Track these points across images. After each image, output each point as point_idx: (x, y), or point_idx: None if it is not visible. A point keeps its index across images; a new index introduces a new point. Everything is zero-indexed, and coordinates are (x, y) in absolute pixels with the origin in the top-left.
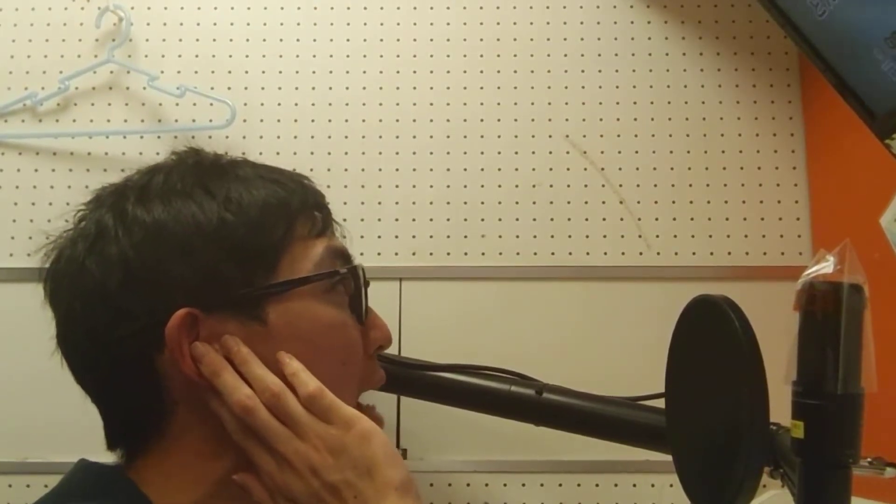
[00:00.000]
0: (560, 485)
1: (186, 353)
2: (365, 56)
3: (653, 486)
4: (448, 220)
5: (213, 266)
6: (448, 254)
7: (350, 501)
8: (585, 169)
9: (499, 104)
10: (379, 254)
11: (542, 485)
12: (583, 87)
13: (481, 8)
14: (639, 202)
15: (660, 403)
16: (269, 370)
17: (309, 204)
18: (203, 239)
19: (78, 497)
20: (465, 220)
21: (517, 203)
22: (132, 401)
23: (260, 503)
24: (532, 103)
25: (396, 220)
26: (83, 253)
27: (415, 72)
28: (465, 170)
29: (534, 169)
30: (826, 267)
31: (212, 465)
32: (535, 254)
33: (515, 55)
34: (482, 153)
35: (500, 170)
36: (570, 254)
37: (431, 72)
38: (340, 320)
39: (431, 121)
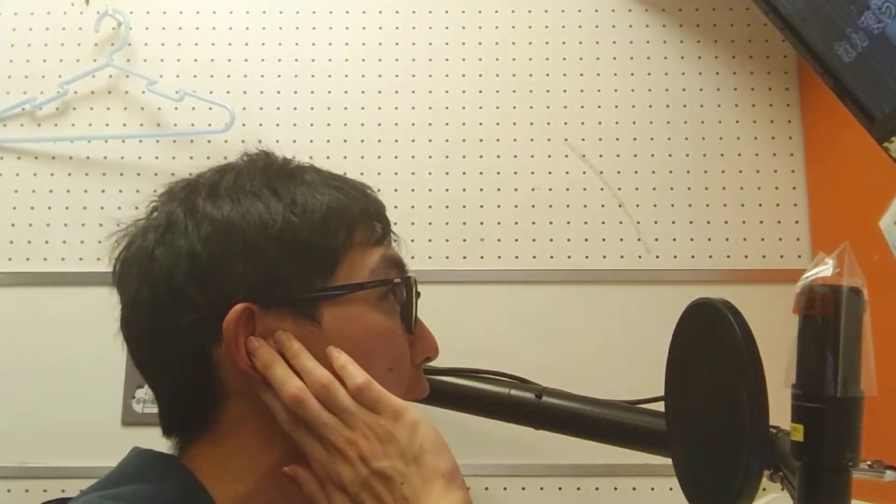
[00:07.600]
0: (560, 488)
1: (242, 347)
2: (363, 60)
3: (652, 489)
4: (447, 224)
5: (275, 265)
6: (447, 257)
7: (398, 488)
8: (584, 172)
9: (497, 108)
10: None
11: (541, 488)
12: (581, 91)
13: (480, 12)
14: (638, 205)
15: (659, 407)
16: (319, 363)
17: (370, 213)
18: (267, 239)
19: (137, 480)
20: (464, 223)
21: (516, 207)
22: (187, 389)
23: (310, 494)
24: (531, 107)
25: (395, 223)
26: (153, 243)
27: (413, 76)
28: (464, 174)
29: (533, 173)
30: (825, 270)
31: (261, 457)
32: (534, 257)
33: (514, 59)
34: (481, 157)
35: (499, 174)
36: (569, 257)
37: (430, 76)
38: (390, 328)
39: (430, 125)
